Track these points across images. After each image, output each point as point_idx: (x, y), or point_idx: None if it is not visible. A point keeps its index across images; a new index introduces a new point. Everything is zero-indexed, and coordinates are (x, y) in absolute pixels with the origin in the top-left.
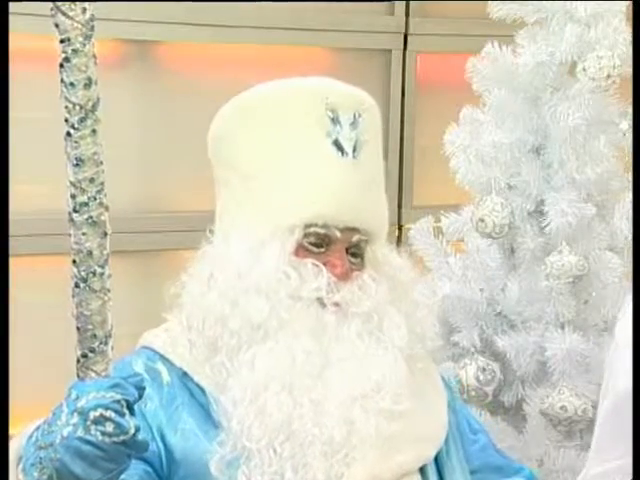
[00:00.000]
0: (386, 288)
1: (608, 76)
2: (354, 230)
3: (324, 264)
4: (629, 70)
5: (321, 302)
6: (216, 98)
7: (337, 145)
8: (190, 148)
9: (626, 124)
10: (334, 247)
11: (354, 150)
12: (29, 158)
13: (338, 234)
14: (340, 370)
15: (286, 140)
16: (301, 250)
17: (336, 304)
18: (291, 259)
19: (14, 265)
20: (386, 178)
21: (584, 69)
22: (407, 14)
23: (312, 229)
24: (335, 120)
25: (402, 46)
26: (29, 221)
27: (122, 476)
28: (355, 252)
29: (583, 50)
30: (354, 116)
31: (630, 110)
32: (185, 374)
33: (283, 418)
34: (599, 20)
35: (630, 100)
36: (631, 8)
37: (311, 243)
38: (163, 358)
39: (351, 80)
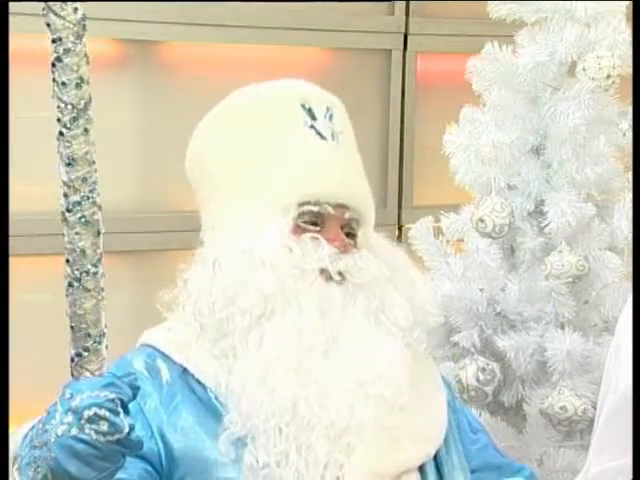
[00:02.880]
0: (385, 266)
1: (608, 76)
2: (345, 207)
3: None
4: (629, 70)
5: (325, 273)
6: (216, 98)
7: (316, 131)
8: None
9: (626, 124)
10: (329, 225)
11: (332, 136)
12: (29, 158)
13: (331, 210)
14: (347, 353)
15: (268, 131)
16: (298, 230)
17: (340, 273)
18: (290, 237)
19: (14, 265)
20: (386, 178)
21: (584, 69)
22: (407, 14)
23: (305, 207)
24: (310, 112)
25: (402, 46)
26: (29, 221)
27: (122, 475)
28: (348, 232)
29: (583, 50)
30: (327, 109)
31: (630, 110)
32: (185, 371)
33: (290, 399)
34: (599, 20)
35: (630, 100)
36: (631, 8)
37: (306, 222)
38: (164, 355)
39: (351, 80)
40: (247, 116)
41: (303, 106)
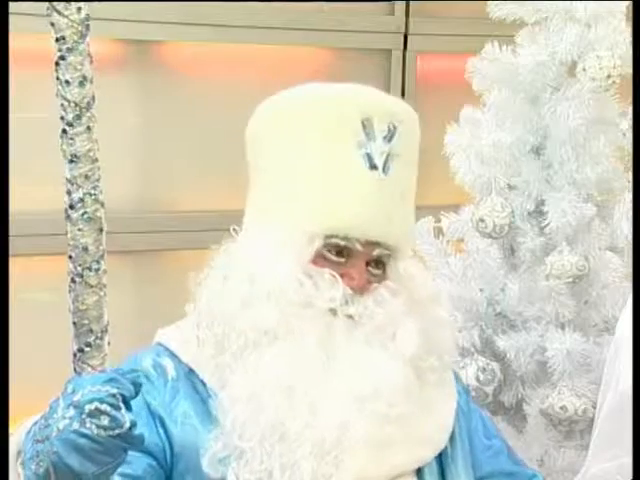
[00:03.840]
0: (404, 300)
1: (608, 76)
2: (376, 244)
3: (341, 275)
4: (629, 70)
5: (334, 313)
6: (216, 98)
7: (368, 158)
8: (190, 148)
9: (626, 124)
10: (354, 259)
11: (385, 164)
12: (29, 158)
13: (359, 247)
14: (340, 372)
15: (317, 147)
16: (319, 259)
17: (349, 316)
18: (307, 267)
19: (14, 265)
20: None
21: (584, 69)
22: (407, 14)
23: (333, 240)
24: (369, 131)
25: (402, 46)
26: (29, 221)
27: (127, 470)
28: (377, 263)
29: (583, 50)
30: (389, 128)
31: (630, 110)
32: (191, 371)
33: (277, 419)
34: (599, 20)
35: (630, 100)
36: (631, 8)
37: (331, 252)
38: (172, 354)
39: (351, 80)
40: (303, 122)
41: (363, 123)
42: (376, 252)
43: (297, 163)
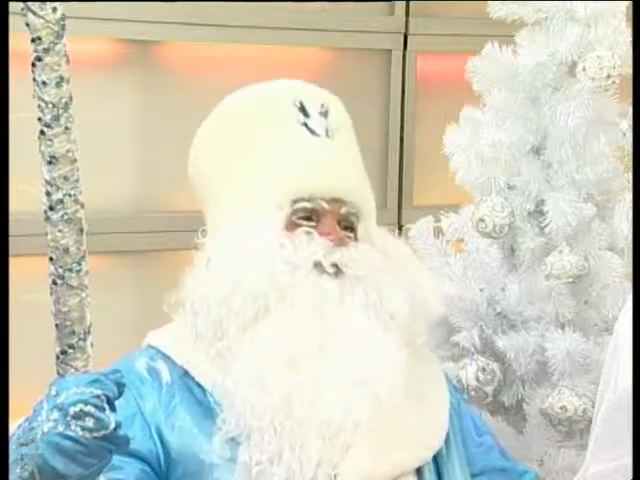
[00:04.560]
0: (383, 259)
1: (608, 76)
2: (340, 202)
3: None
4: (629, 70)
5: (319, 267)
6: (216, 98)
7: (308, 128)
8: (190, 148)
9: (626, 124)
10: (324, 220)
11: (326, 133)
12: (29, 158)
13: (326, 205)
14: (342, 349)
15: (263, 135)
16: (292, 226)
17: (334, 265)
18: (282, 233)
19: (14, 265)
20: (386, 178)
21: (584, 69)
22: (407, 14)
23: (299, 204)
24: (303, 109)
25: (402, 46)
26: (29, 221)
27: (119, 476)
28: (347, 225)
29: (583, 50)
30: (321, 106)
31: (630, 110)
32: (186, 373)
33: (283, 397)
34: (599, 20)
35: (630, 100)
36: (631, 8)
37: (301, 217)
38: (165, 357)
39: (351, 80)
40: (240, 118)
41: (296, 104)
42: (343, 210)
43: (252, 156)
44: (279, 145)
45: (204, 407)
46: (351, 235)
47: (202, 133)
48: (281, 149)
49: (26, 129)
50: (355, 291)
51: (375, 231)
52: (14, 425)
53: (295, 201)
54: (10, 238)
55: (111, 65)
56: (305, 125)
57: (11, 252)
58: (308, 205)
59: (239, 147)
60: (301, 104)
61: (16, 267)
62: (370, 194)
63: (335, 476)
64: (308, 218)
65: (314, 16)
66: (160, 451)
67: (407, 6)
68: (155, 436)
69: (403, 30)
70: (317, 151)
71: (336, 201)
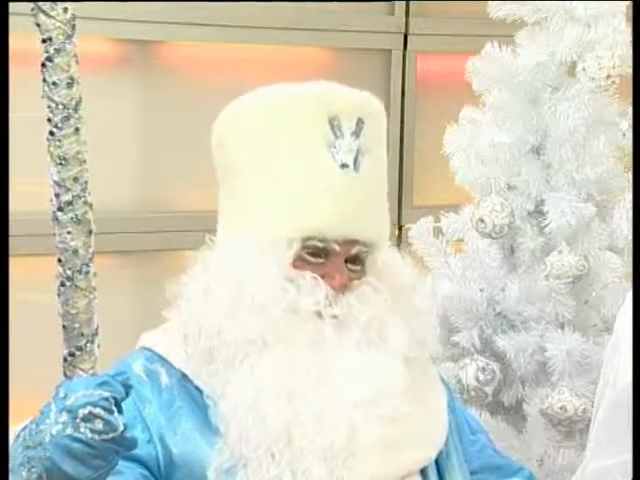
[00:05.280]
0: (386, 296)
1: (608, 76)
2: (353, 242)
3: (322, 276)
4: (629, 70)
5: (319, 315)
6: (216, 98)
7: (338, 157)
8: (191, 148)
9: (626, 124)
10: (333, 259)
11: (355, 161)
12: (29, 158)
13: (337, 247)
14: (340, 379)
15: (286, 150)
16: (299, 261)
17: (334, 317)
18: (288, 272)
19: (14, 265)
20: (386, 178)
21: (584, 69)
22: (407, 14)
23: (310, 242)
24: (337, 129)
25: (402, 46)
26: (29, 221)
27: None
28: (355, 259)
29: (583, 50)
30: (356, 123)
31: (630, 110)
32: (184, 376)
33: (282, 425)
34: (599, 20)
35: (630, 100)
36: (631, 8)
37: (309, 254)
38: (162, 359)
39: (351, 80)
40: (270, 122)
41: (331, 122)
42: (354, 250)
43: (267, 167)
44: (301, 171)
45: (203, 411)
46: (358, 269)
47: (229, 114)
48: (302, 177)
49: (26, 129)
50: (353, 331)
51: (383, 260)
52: (16, 425)
53: (306, 239)
54: (10, 238)
55: (111, 65)
56: (335, 150)
57: (11, 252)
58: (319, 245)
59: (263, 154)
60: (334, 120)
61: (16, 267)
62: (387, 224)
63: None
64: (317, 254)
65: (314, 16)
66: (160, 455)
67: (407, 6)
68: (156, 440)
69: (403, 30)
70: (339, 188)
71: (349, 242)
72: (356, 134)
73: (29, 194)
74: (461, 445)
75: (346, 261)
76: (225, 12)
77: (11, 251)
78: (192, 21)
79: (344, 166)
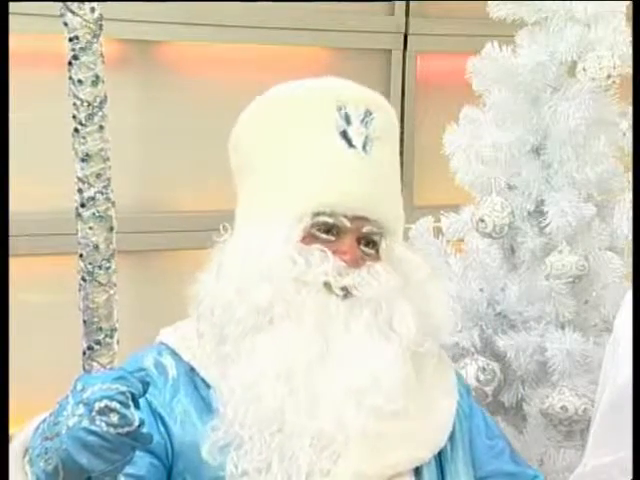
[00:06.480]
0: (398, 280)
1: (608, 76)
2: (364, 220)
3: (333, 252)
4: (629, 70)
5: (328, 287)
6: (217, 98)
7: (345, 137)
8: (191, 148)
9: (626, 124)
10: (344, 236)
11: (364, 145)
12: (30, 158)
13: (347, 223)
14: (340, 361)
15: (298, 139)
16: (309, 237)
17: (343, 288)
18: (298, 246)
19: (14, 265)
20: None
21: (584, 69)
22: (407, 14)
23: (320, 218)
24: (345, 115)
25: (402, 46)
26: (29, 221)
27: (131, 470)
28: (369, 242)
29: (583, 50)
30: (365, 113)
31: (630, 110)
32: (192, 369)
33: (277, 406)
34: (599, 20)
35: (630, 100)
36: (631, 8)
37: (320, 230)
38: (173, 353)
39: (351, 80)
40: (281, 116)
41: (338, 108)
42: (365, 229)
43: (282, 157)
44: (310, 152)
45: (207, 403)
46: (372, 252)
47: (244, 118)
48: (311, 157)
49: (26, 128)
50: (363, 312)
51: (398, 248)
52: (15, 424)
53: (316, 214)
54: (10, 238)
55: (112, 65)
56: (344, 133)
57: (11, 252)
58: (329, 220)
59: (273, 146)
60: (344, 108)
61: (16, 267)
62: (399, 211)
63: (328, 472)
64: (328, 231)
65: (314, 16)
66: (167, 444)
67: (407, 6)
68: (162, 429)
69: (403, 30)
70: (347, 165)
71: (359, 219)
72: (365, 122)
73: (29, 194)
74: (473, 448)
75: (358, 242)
76: (225, 12)
77: (11, 251)
78: (192, 21)
79: (352, 146)
